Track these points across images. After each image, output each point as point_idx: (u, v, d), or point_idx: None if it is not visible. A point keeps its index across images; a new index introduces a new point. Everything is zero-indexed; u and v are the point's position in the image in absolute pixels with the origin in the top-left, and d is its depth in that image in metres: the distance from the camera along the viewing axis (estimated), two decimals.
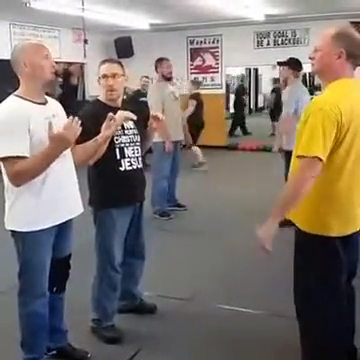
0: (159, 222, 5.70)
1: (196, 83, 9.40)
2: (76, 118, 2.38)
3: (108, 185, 2.98)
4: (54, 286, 2.68)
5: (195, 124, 8.70)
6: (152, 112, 5.48)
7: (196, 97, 8.80)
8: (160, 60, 5.90)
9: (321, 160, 2.11)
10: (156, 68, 5.88)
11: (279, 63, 5.67)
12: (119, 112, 2.90)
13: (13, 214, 2.48)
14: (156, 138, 5.64)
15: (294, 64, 5.37)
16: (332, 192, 2.23)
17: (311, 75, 16.46)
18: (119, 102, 3.04)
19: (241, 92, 13.35)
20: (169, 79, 5.93)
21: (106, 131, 2.76)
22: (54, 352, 2.83)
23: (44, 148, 2.33)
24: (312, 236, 2.29)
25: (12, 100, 2.43)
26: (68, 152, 2.56)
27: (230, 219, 5.74)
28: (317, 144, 2.09)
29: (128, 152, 2.99)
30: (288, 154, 3.88)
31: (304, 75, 17.25)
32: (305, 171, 2.14)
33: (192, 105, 8.57)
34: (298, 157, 2.17)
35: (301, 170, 2.16)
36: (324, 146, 2.10)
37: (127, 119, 2.94)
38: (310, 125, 2.13)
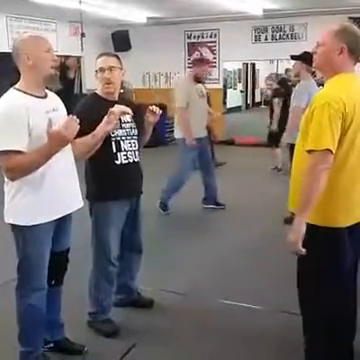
0: (158, 216, 5.70)
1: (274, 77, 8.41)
2: (75, 116, 2.37)
3: (104, 178, 2.98)
4: (52, 279, 2.68)
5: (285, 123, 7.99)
6: (176, 105, 5.53)
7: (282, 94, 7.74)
8: (201, 61, 5.84)
9: (331, 152, 2.15)
10: (193, 66, 5.78)
11: (292, 57, 5.62)
12: (116, 106, 2.90)
13: (13, 208, 2.48)
14: (178, 134, 5.67)
15: (307, 58, 5.32)
16: (336, 183, 2.26)
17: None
18: (116, 95, 3.04)
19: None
20: (200, 81, 5.79)
21: (106, 126, 2.76)
22: (51, 345, 2.84)
23: (42, 144, 2.32)
24: (317, 228, 2.31)
25: (12, 93, 2.42)
26: (68, 147, 2.56)
27: (229, 214, 5.73)
28: (326, 137, 2.14)
29: (124, 145, 2.99)
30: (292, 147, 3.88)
31: None
32: (318, 164, 2.17)
33: (278, 106, 7.59)
34: (308, 152, 2.20)
35: (314, 164, 2.18)
36: (333, 138, 2.15)
37: (124, 113, 2.94)
38: (317, 119, 2.17)
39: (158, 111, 3.11)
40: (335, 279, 2.37)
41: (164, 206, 5.83)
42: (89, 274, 3.13)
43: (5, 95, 2.41)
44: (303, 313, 2.51)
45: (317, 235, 2.34)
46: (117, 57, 3.05)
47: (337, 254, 2.35)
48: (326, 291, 2.38)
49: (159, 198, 5.80)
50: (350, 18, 8.28)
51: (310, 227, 2.33)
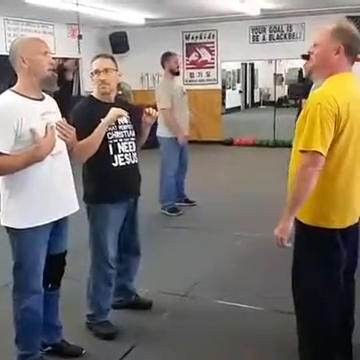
0: (158, 218, 5.69)
1: None
2: (54, 126, 2.41)
3: (101, 180, 2.98)
4: (49, 283, 2.67)
5: None
6: (159, 106, 5.53)
7: None
8: (167, 55, 5.79)
9: (321, 154, 2.14)
10: (163, 63, 5.76)
11: (303, 56, 5.58)
12: (112, 109, 2.90)
13: (8, 211, 2.48)
14: (164, 133, 5.66)
15: None
16: (332, 185, 2.26)
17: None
18: (112, 97, 3.03)
19: None
20: (177, 74, 5.83)
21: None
22: (49, 348, 2.83)
23: (28, 150, 2.34)
24: (312, 228, 2.32)
25: (6, 95, 2.41)
26: (63, 150, 2.56)
27: (229, 215, 5.72)
28: (316, 139, 2.13)
29: (122, 147, 2.98)
30: None
31: (300, 70, 17.27)
32: (307, 165, 2.18)
33: None
34: (300, 151, 2.21)
35: (303, 165, 2.19)
36: (323, 140, 2.14)
37: (120, 116, 2.93)
38: (310, 120, 2.16)
39: (154, 113, 3.10)
40: (328, 280, 2.37)
41: (172, 209, 5.83)
42: (87, 276, 3.12)
43: (0, 96, 2.41)
44: (296, 312, 2.51)
45: (312, 236, 2.34)
46: (112, 59, 3.05)
47: (331, 255, 2.35)
48: (318, 291, 2.38)
49: (162, 207, 5.82)
50: (348, 17, 8.26)
51: (305, 228, 2.34)
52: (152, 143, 4.87)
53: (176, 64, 5.78)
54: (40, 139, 2.35)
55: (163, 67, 5.79)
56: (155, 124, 3.24)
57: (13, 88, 2.45)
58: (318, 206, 2.29)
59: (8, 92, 2.43)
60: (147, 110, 3.10)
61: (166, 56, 5.78)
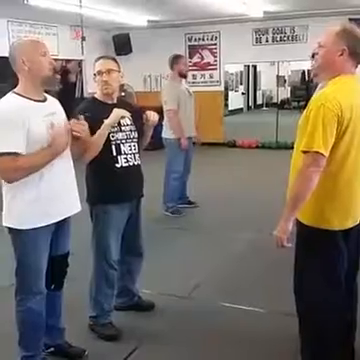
0: (163, 219, 5.69)
1: None
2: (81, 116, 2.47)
3: (104, 181, 2.98)
4: (52, 284, 2.67)
5: None
6: (165, 107, 5.54)
7: None
8: (177, 57, 5.80)
9: (323, 155, 2.15)
10: (172, 65, 5.76)
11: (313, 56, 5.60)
12: (115, 110, 2.91)
13: (10, 211, 2.48)
14: (169, 135, 5.67)
15: None
16: (333, 187, 2.26)
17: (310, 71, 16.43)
18: (114, 98, 3.05)
19: None
20: (185, 76, 5.87)
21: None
22: (52, 349, 2.83)
23: (45, 146, 2.38)
24: (313, 229, 2.32)
25: (9, 97, 2.42)
26: (66, 151, 2.56)
27: (232, 216, 5.72)
28: (318, 139, 2.14)
29: (124, 149, 2.99)
30: None
31: (303, 72, 17.29)
32: (308, 166, 2.19)
33: None
34: (302, 152, 2.21)
35: (305, 165, 2.20)
36: (325, 141, 2.15)
37: (122, 117, 2.94)
38: (312, 121, 2.17)
39: (153, 117, 3.11)
40: (329, 281, 2.37)
41: (175, 211, 5.83)
42: (90, 277, 3.12)
43: (3, 99, 2.42)
44: (298, 314, 2.51)
45: (313, 237, 2.34)
46: (115, 60, 3.06)
47: (332, 256, 2.35)
48: (320, 292, 2.38)
49: (165, 208, 5.82)
50: (351, 19, 8.25)
51: (307, 229, 2.34)
52: (156, 144, 4.89)
53: (185, 66, 5.82)
54: (55, 133, 2.39)
55: (172, 69, 5.79)
56: (160, 125, 3.24)
57: (15, 90, 2.45)
58: (319, 207, 2.29)
59: (10, 95, 2.44)
60: (148, 113, 3.11)
61: (176, 58, 5.80)
